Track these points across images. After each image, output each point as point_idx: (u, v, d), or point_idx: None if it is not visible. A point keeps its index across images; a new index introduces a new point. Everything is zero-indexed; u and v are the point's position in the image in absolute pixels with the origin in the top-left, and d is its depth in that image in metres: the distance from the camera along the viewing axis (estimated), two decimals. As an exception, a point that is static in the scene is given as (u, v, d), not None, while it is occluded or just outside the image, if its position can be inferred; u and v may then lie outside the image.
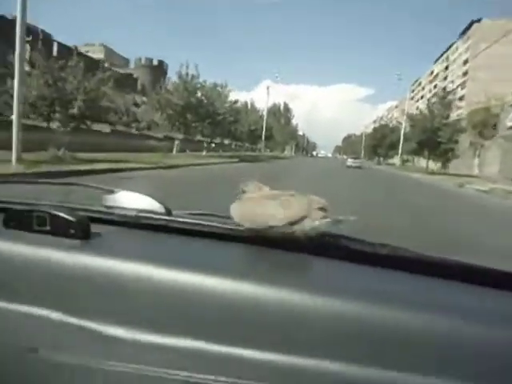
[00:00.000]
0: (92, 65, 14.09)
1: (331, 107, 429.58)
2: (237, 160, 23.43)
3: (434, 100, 31.30)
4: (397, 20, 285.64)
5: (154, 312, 0.53)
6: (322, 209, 0.63)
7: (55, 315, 0.55)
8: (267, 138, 41.84)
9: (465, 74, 63.22)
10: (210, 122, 23.65)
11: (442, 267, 0.64)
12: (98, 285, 0.55)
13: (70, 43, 31.94)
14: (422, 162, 37.27)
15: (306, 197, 0.66)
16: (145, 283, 0.54)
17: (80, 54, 18.68)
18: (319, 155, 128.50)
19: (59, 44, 27.81)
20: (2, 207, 0.70)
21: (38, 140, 11.38)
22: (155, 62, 58.77)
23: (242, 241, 0.69)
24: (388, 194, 12.08)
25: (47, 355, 0.53)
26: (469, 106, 43.07)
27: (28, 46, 11.66)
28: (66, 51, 16.23)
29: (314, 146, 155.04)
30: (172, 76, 30.17)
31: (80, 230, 0.61)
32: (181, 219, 0.74)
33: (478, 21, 60.89)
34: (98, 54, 48.50)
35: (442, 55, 79.15)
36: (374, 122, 74.37)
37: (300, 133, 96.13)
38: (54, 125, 12.37)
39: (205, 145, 27.91)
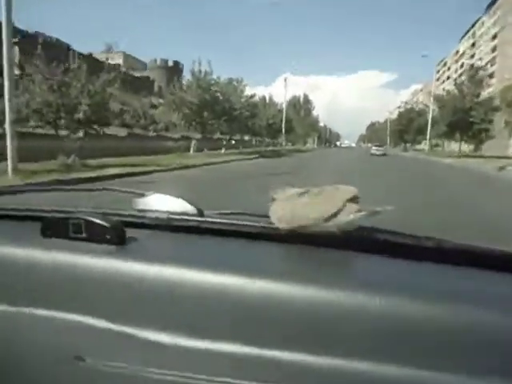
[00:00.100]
0: (96, 66, 13.50)
1: (353, 96, 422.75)
2: (256, 156, 22.62)
3: (462, 78, 29.51)
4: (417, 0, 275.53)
5: (194, 316, 0.52)
6: (353, 199, 0.61)
7: (98, 322, 0.55)
8: (287, 131, 40.68)
9: (494, 49, 59.88)
10: (226, 119, 22.96)
11: (491, 258, 0.60)
12: (137, 290, 0.55)
13: (86, 51, 31.90)
14: (452, 145, 35.41)
15: (335, 189, 0.64)
16: (183, 287, 0.53)
17: (82, 56, 18.35)
18: (343, 145, 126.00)
19: (62, 48, 27.48)
20: (37, 216, 0.71)
21: (48, 148, 11.02)
22: (170, 63, 58.58)
23: (278, 240, 0.66)
24: (418, 181, 11.07)
25: (93, 363, 0.54)
26: (500, 83, 40.68)
27: (39, 51, 11.24)
28: (68, 54, 15.82)
29: (337, 137, 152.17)
30: (187, 75, 29.62)
31: (115, 235, 0.61)
32: (214, 220, 0.73)
33: (506, -8, 57.39)
34: (117, 60, 48.79)
35: (467, 32, 75.56)
36: (399, 107, 71.52)
37: (321, 124, 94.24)
38: (63, 131, 11.96)
39: (224, 142, 27.31)
